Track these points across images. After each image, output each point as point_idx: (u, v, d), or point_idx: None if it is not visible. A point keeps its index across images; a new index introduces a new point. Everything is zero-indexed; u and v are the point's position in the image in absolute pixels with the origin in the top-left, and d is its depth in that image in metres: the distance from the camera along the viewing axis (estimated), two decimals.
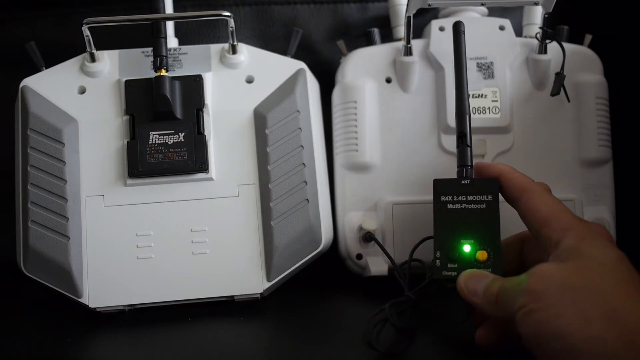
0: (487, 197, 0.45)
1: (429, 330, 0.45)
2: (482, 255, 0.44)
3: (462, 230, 0.45)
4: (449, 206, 0.46)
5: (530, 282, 0.37)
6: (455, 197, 0.46)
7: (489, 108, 0.58)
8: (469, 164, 0.47)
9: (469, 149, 0.47)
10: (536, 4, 0.54)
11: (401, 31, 0.62)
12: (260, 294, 0.53)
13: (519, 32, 0.61)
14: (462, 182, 0.46)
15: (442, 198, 0.46)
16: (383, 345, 0.41)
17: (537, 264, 0.38)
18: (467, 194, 0.45)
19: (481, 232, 0.45)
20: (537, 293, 0.36)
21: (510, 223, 0.46)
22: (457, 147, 0.48)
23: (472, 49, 0.58)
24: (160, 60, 0.54)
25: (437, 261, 0.45)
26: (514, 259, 0.46)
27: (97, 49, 0.56)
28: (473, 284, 0.41)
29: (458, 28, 0.51)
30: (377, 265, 0.55)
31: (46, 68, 0.57)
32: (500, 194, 0.46)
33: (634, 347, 0.33)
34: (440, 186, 0.46)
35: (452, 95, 0.57)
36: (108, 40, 0.57)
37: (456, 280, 0.43)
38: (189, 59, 0.57)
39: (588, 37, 0.61)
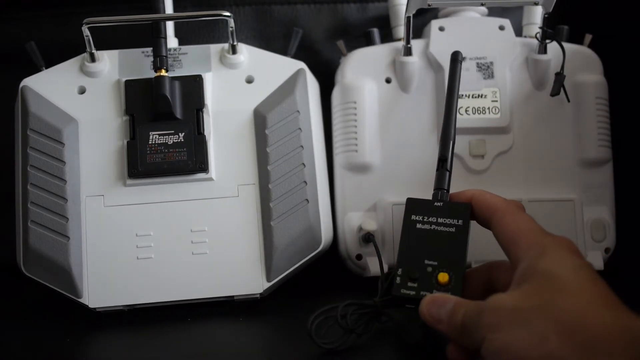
0: (458, 222, 0.45)
1: (383, 340, 0.45)
2: (443, 277, 0.43)
3: (427, 251, 0.44)
4: (418, 225, 0.45)
5: (485, 314, 0.36)
6: (426, 217, 0.45)
7: (488, 108, 0.58)
8: (446, 188, 0.47)
9: (447, 173, 0.47)
10: (536, 4, 0.54)
11: (401, 31, 0.62)
12: (260, 294, 0.53)
13: (518, 32, 0.61)
14: (435, 203, 0.46)
15: (413, 217, 0.46)
16: (328, 339, 0.42)
17: (493, 295, 0.38)
18: (438, 216, 0.45)
19: (446, 254, 0.44)
20: (492, 324, 0.36)
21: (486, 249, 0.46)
22: (437, 169, 0.48)
23: (472, 49, 0.58)
24: (160, 60, 0.54)
25: (398, 278, 0.44)
26: (479, 286, 0.45)
27: (97, 49, 0.56)
28: (436, 311, 0.40)
29: (455, 57, 0.51)
30: (377, 266, 0.55)
31: (46, 68, 0.57)
32: (474, 218, 0.45)
33: (596, 356, 0.32)
34: (412, 205, 0.46)
35: None
36: (108, 40, 0.57)
37: (415, 300, 0.42)
38: (188, 59, 0.57)
39: (588, 37, 0.61)
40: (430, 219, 0.45)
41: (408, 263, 0.44)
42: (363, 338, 0.44)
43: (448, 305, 0.40)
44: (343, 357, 0.43)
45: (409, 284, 0.44)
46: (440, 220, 0.45)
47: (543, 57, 0.58)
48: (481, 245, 0.48)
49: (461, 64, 0.51)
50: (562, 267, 0.37)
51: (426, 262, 0.44)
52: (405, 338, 0.44)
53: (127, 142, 0.54)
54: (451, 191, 0.47)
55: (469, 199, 0.45)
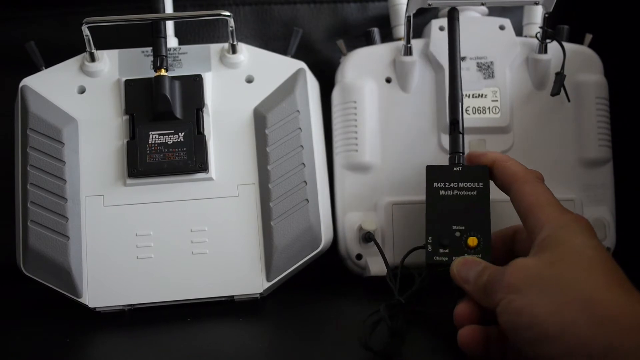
0: (478, 184, 0.46)
1: (419, 333, 0.46)
2: (472, 241, 0.45)
3: (453, 216, 0.46)
4: (441, 192, 0.46)
5: (507, 275, 0.38)
6: (447, 183, 0.46)
7: (488, 108, 0.58)
8: (461, 150, 0.48)
9: (461, 135, 0.48)
10: (536, 3, 0.54)
11: (401, 31, 0.62)
12: (260, 294, 0.53)
13: (519, 31, 0.61)
14: (454, 168, 0.47)
15: (435, 184, 0.47)
16: (377, 345, 0.41)
17: (517, 258, 0.39)
18: (459, 181, 0.46)
19: (472, 218, 0.45)
20: (513, 286, 0.37)
21: (506, 215, 0.47)
22: (450, 134, 0.48)
23: (472, 48, 0.58)
24: (160, 60, 0.54)
25: (429, 246, 0.45)
26: (503, 249, 0.47)
27: (97, 48, 0.56)
28: (465, 271, 0.42)
29: (452, 15, 0.51)
30: (377, 266, 0.55)
31: (46, 68, 0.57)
32: (493, 182, 0.46)
33: (606, 334, 0.33)
34: (432, 172, 0.47)
35: None
36: (108, 40, 0.57)
37: (447, 266, 0.44)
38: (188, 59, 0.57)
39: (588, 37, 0.61)
40: (452, 184, 0.46)
41: (437, 230, 0.46)
42: (406, 336, 0.43)
43: (477, 268, 0.42)
44: (350, 356, 0.43)
45: (441, 250, 0.45)
46: (461, 184, 0.46)
47: (543, 56, 0.58)
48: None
49: (459, 21, 0.51)
50: (583, 244, 0.38)
51: (454, 227, 0.45)
52: (441, 319, 0.45)
53: (127, 141, 0.54)
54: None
55: (490, 162, 0.46)
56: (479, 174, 0.46)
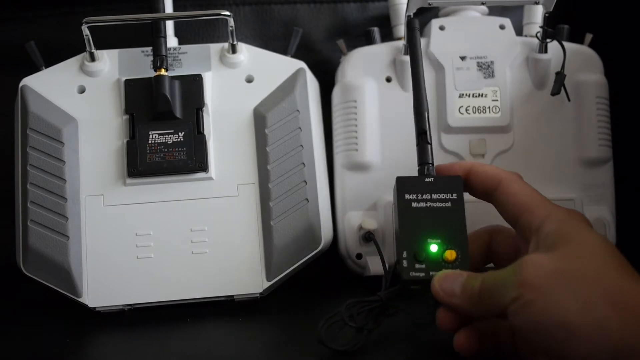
0: (452, 195, 0.44)
1: (397, 331, 0.45)
2: (450, 254, 0.43)
3: (428, 229, 0.43)
4: (414, 205, 0.44)
5: (522, 273, 0.36)
6: (420, 195, 0.44)
7: (489, 107, 0.58)
8: (430, 161, 0.46)
9: (429, 146, 0.46)
10: (537, 3, 0.54)
11: (401, 30, 0.62)
12: (260, 293, 0.53)
13: (519, 31, 0.61)
14: (426, 179, 0.45)
15: (406, 196, 0.44)
16: (337, 343, 0.41)
17: (523, 256, 0.37)
18: (432, 192, 0.44)
19: (447, 230, 0.43)
20: (531, 284, 0.35)
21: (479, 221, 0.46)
22: (417, 144, 0.47)
23: (472, 48, 0.58)
24: (160, 59, 0.54)
25: (404, 261, 0.43)
26: (477, 252, 0.45)
27: (97, 48, 0.56)
28: (449, 285, 0.40)
29: (411, 25, 0.51)
30: (377, 265, 0.55)
31: (46, 68, 0.57)
32: (469, 192, 0.45)
33: (638, 327, 0.32)
34: (403, 184, 0.45)
35: (453, 95, 0.57)
36: (108, 39, 0.57)
37: (423, 281, 0.42)
38: (188, 59, 0.57)
39: (588, 37, 0.61)
40: (424, 196, 0.44)
41: (411, 245, 0.43)
42: (375, 334, 0.43)
43: (461, 279, 0.40)
44: (347, 357, 0.43)
45: (417, 265, 0.43)
46: (434, 196, 0.44)
47: (543, 56, 0.58)
48: None
49: (418, 31, 0.50)
50: (592, 238, 0.37)
51: (429, 240, 0.43)
52: (420, 320, 0.44)
53: (127, 141, 0.54)
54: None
55: (467, 170, 0.45)
56: (453, 184, 0.44)
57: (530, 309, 0.35)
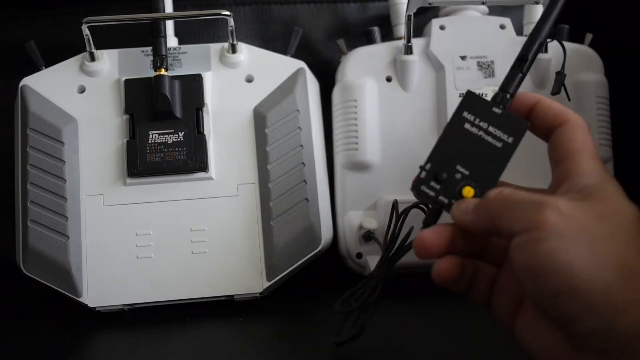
0: (508, 139, 0.41)
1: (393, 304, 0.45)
2: (467, 191, 0.40)
3: (464, 156, 0.40)
4: (466, 125, 0.41)
5: (545, 210, 0.33)
6: (478, 120, 0.41)
7: None
8: (510, 91, 0.42)
9: (520, 76, 0.42)
10: (537, 2, 0.54)
11: (401, 30, 0.62)
12: (260, 293, 0.53)
13: (519, 31, 0.61)
14: (494, 108, 0.41)
15: (464, 114, 0.41)
16: (346, 334, 0.41)
17: (553, 197, 0.34)
18: (491, 124, 0.41)
19: (482, 169, 0.40)
20: (550, 223, 0.32)
21: None
22: (511, 68, 0.42)
23: (473, 47, 0.58)
24: (159, 59, 0.54)
25: (423, 172, 0.40)
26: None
27: (97, 48, 0.56)
28: (465, 204, 0.38)
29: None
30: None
31: (46, 67, 0.57)
32: (532, 125, 0.42)
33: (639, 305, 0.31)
34: (470, 100, 0.41)
35: (453, 94, 0.57)
36: (108, 39, 0.57)
37: (429, 198, 0.40)
38: (188, 58, 0.57)
39: (589, 36, 0.61)
40: (481, 124, 0.41)
41: (439, 162, 0.41)
42: (379, 306, 0.42)
43: (474, 202, 0.38)
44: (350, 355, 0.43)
45: (432, 183, 0.40)
46: (491, 129, 0.41)
47: (544, 56, 0.58)
48: None
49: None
50: (626, 206, 0.35)
51: (458, 167, 0.40)
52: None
53: (127, 141, 0.54)
54: None
55: (534, 102, 0.41)
56: (516, 127, 0.41)
57: (538, 247, 0.32)
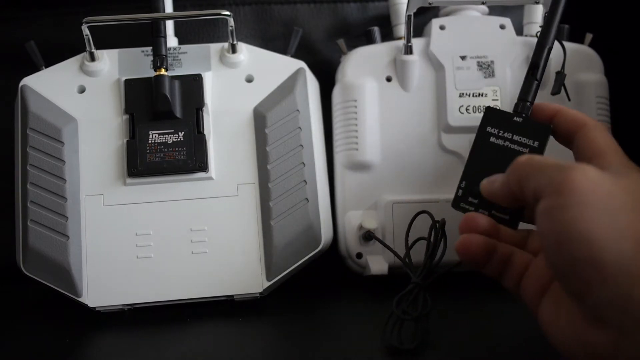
0: (533, 143, 0.42)
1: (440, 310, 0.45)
2: None
3: (496, 168, 0.41)
4: (492, 139, 0.43)
5: (573, 175, 0.33)
6: (502, 131, 0.43)
7: None
8: (529, 99, 0.43)
9: (536, 83, 0.44)
10: (537, 2, 0.54)
11: (401, 30, 0.62)
12: (260, 293, 0.53)
13: (519, 30, 0.61)
14: (515, 118, 0.42)
15: (488, 129, 0.43)
16: (407, 343, 0.41)
17: (582, 164, 0.35)
18: (515, 133, 0.42)
19: None
20: (577, 187, 0.32)
21: None
22: (526, 77, 0.44)
23: (473, 47, 0.58)
24: (159, 59, 0.54)
25: (460, 190, 0.42)
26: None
27: (97, 48, 0.56)
28: (494, 177, 0.39)
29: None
30: (377, 264, 0.55)
31: (46, 67, 0.57)
32: (553, 135, 0.43)
33: None
34: (490, 116, 0.43)
35: (453, 94, 0.57)
36: (108, 39, 0.57)
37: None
38: (188, 58, 0.57)
39: (589, 36, 0.61)
40: (505, 134, 0.43)
41: (473, 178, 0.42)
42: (432, 315, 0.43)
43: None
44: (350, 355, 0.43)
45: (470, 199, 0.42)
46: (515, 137, 0.42)
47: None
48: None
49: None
50: None
51: None
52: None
53: (127, 141, 0.54)
54: None
55: (554, 112, 0.43)
56: (540, 132, 0.42)
57: (562, 215, 0.32)
